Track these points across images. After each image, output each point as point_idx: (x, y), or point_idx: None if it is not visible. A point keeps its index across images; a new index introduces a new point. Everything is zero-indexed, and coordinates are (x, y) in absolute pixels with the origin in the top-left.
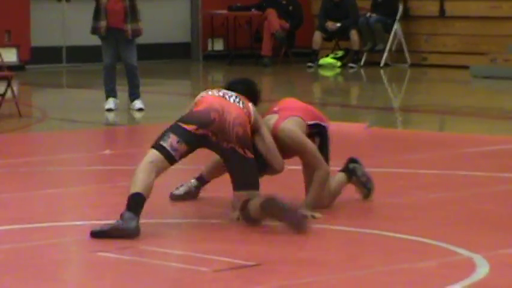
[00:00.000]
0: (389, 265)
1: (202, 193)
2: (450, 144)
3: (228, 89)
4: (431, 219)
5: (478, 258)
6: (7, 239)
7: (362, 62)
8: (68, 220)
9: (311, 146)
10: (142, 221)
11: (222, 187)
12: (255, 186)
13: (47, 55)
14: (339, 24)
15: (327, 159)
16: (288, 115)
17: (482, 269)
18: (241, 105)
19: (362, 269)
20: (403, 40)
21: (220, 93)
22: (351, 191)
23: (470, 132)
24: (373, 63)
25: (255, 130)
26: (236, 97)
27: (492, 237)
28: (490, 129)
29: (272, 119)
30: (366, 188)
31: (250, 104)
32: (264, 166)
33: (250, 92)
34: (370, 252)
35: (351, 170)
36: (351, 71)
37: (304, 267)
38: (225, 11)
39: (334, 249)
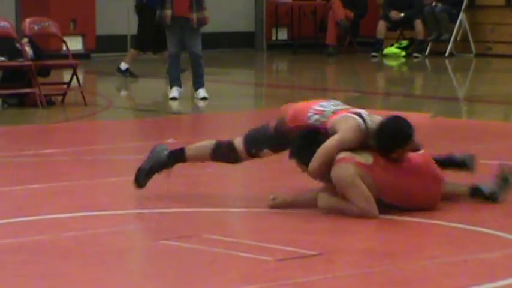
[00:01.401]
0: (454, 256)
1: (265, 182)
2: None
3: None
4: (497, 210)
5: None
6: (71, 227)
7: (427, 52)
8: (132, 208)
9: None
10: (206, 209)
11: (285, 175)
12: None
13: (112, 44)
14: (403, 14)
15: None
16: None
17: None
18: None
19: (426, 260)
20: (468, 30)
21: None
22: None
23: None
24: (438, 53)
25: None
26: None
27: None
28: None
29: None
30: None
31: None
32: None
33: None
34: (434, 243)
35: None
36: (416, 60)
37: (367, 257)
38: (289, 0)
39: (398, 240)
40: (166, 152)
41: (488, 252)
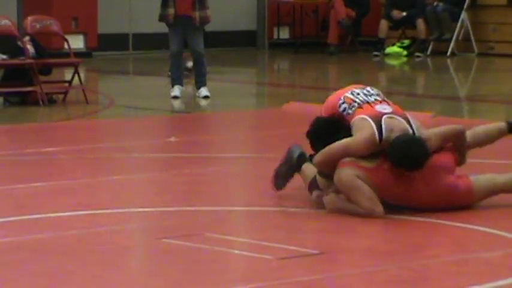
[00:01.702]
0: (455, 255)
1: (265, 182)
2: None
3: None
4: (499, 210)
5: None
6: (73, 225)
7: (428, 51)
8: (134, 206)
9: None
10: (208, 208)
11: None
12: None
13: (114, 42)
14: (404, 13)
15: None
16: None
17: None
18: None
19: (427, 259)
20: (470, 29)
21: None
22: None
23: None
24: (439, 53)
25: None
26: None
27: None
28: None
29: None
30: None
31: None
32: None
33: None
34: (436, 242)
35: None
36: (417, 60)
37: (368, 256)
38: None
39: (399, 239)
40: (297, 153)
41: (490, 252)
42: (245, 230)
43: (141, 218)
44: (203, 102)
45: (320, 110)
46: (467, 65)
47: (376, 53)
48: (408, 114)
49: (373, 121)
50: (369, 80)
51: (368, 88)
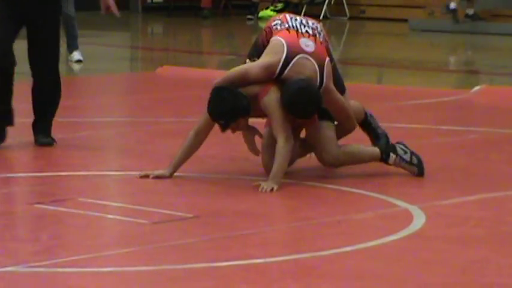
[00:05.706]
0: (328, 217)
1: (140, 145)
2: (388, 97)
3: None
4: (369, 172)
5: (414, 210)
6: None
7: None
8: (5, 172)
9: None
10: (81, 173)
11: (161, 138)
12: None
13: None
14: None
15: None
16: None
17: (419, 220)
18: None
19: (301, 221)
20: None
21: None
22: None
23: (408, 85)
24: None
25: None
26: None
27: (429, 189)
28: (427, 82)
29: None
30: (413, 166)
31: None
32: None
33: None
34: (309, 205)
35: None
36: None
37: (243, 219)
38: None
39: (273, 202)
40: None
41: (361, 213)
42: (119, 195)
43: (12, 183)
44: (76, 67)
45: (193, 73)
46: (340, 28)
47: (249, 16)
48: (327, 61)
49: (287, 51)
50: (242, 43)
51: (308, 20)
